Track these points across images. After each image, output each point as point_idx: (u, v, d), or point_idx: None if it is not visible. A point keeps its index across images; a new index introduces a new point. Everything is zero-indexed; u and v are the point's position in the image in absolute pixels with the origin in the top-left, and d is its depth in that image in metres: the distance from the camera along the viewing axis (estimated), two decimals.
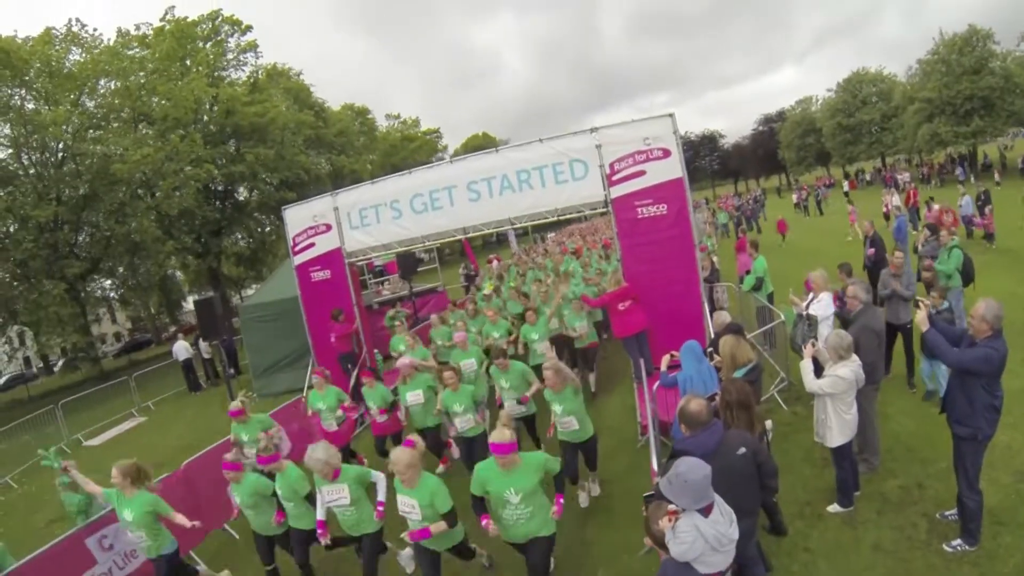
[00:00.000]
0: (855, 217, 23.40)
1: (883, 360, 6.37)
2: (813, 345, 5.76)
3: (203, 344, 19.42)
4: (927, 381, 7.77)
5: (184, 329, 35.31)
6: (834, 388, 5.34)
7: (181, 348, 19.28)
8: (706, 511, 3.35)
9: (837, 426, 5.47)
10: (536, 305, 10.44)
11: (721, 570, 3.46)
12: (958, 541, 4.98)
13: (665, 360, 6.67)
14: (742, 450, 4.12)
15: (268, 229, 37.72)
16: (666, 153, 9.44)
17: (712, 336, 8.37)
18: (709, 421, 4.16)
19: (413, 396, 8.12)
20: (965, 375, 4.65)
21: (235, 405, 7.99)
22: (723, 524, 3.37)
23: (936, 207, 18.50)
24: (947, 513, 5.34)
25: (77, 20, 28.03)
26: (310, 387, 9.04)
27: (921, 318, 4.82)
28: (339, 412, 8.48)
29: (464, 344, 9.11)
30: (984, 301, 4.59)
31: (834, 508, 5.82)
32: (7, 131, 25.26)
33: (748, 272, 12.99)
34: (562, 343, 10.39)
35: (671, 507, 3.39)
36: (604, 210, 10.10)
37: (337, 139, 43.76)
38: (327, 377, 8.79)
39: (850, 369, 5.36)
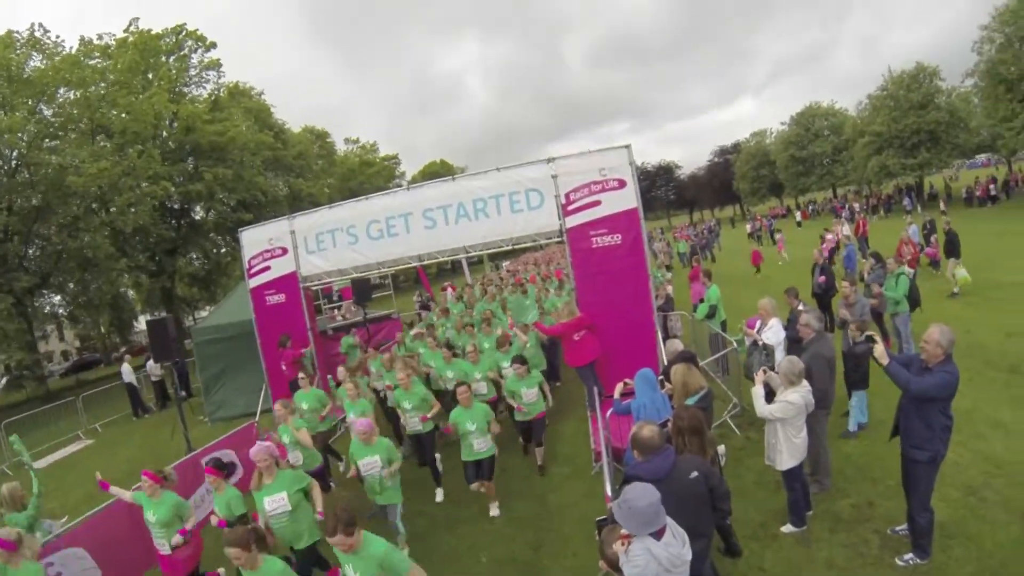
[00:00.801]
0: (783, 245, 25.06)
1: (834, 386, 6.58)
2: (764, 372, 5.92)
3: (151, 365, 18.79)
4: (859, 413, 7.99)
5: (134, 350, 34.34)
6: (784, 413, 5.50)
7: (127, 371, 18.65)
8: (658, 534, 3.41)
9: (787, 450, 5.61)
10: (466, 373, 8.91)
11: None
12: (910, 556, 5.14)
13: (619, 388, 6.74)
14: (694, 474, 4.19)
15: (224, 250, 37.12)
16: (622, 184, 9.61)
17: (665, 364, 8.52)
18: (661, 446, 4.22)
19: (272, 503, 5.61)
20: (922, 401, 4.77)
21: (6, 534, 5.07)
22: (675, 546, 3.43)
23: (834, 232, 19.02)
24: (897, 528, 5.52)
25: (40, 25, 27.38)
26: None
27: (880, 352, 4.85)
28: (178, 537, 5.85)
29: (368, 434, 6.61)
30: (937, 327, 4.74)
31: (788, 528, 5.96)
32: None
33: (702, 301, 13.26)
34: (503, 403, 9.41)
35: (624, 531, 3.44)
36: (559, 239, 10.22)
37: (296, 162, 43.48)
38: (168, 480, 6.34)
39: (800, 395, 5.53)
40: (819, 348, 6.45)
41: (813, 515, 6.10)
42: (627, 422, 6.67)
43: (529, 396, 8.34)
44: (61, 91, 27.23)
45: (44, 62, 26.93)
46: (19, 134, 24.47)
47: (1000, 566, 4.95)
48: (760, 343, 8.01)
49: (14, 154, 25.44)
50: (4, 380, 35.47)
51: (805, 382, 5.65)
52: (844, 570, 5.27)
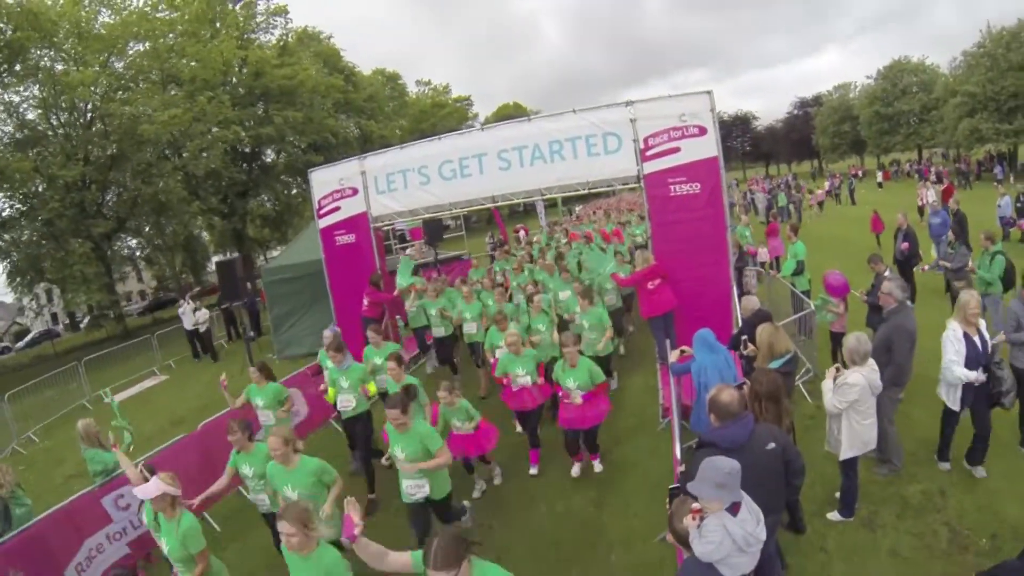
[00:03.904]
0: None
1: (911, 365, 6.08)
2: (837, 370, 5.46)
3: (201, 314, 18.18)
4: None
5: (206, 290, 35.44)
6: (845, 398, 5.12)
7: (201, 316, 18.44)
8: (734, 509, 3.20)
9: (847, 438, 5.25)
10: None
11: (745, 573, 3.29)
12: None
13: (675, 354, 6.56)
14: (771, 445, 3.94)
15: (295, 191, 37.83)
16: (702, 131, 9.22)
17: (740, 321, 8.17)
18: (740, 413, 3.99)
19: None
20: None
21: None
22: (751, 523, 3.21)
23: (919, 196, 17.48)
24: None
25: None
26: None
27: None
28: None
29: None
30: None
31: (835, 516, 5.63)
32: (36, 92, 25.43)
33: (777, 258, 12.67)
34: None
35: (696, 504, 3.24)
36: (636, 184, 9.86)
37: (367, 104, 43.29)
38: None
39: (862, 375, 5.12)
40: (901, 320, 5.93)
41: (882, 498, 5.78)
42: (688, 380, 6.46)
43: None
44: (131, 44, 28.00)
45: (113, 17, 27.63)
46: (92, 88, 25.32)
47: None
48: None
49: (88, 107, 26.37)
50: (87, 320, 37.46)
51: (872, 362, 5.23)
52: (908, 561, 4.96)
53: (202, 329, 18.40)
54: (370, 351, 8.01)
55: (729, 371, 6.04)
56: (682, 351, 6.49)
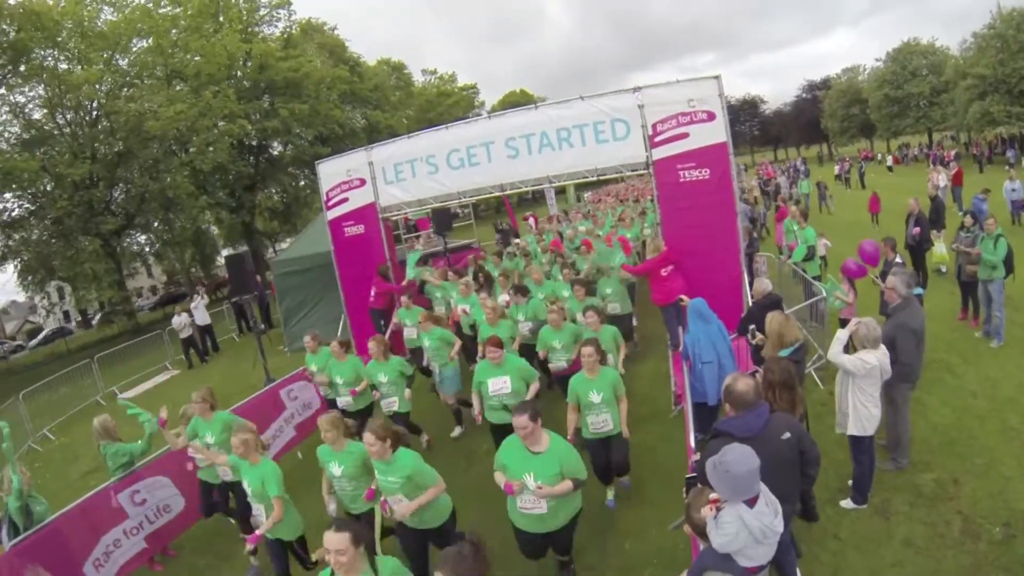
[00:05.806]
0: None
1: (921, 361, 5.97)
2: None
3: (177, 320, 17.24)
4: None
5: (214, 284, 35.47)
6: (855, 368, 5.11)
7: (180, 321, 17.35)
8: (751, 501, 3.19)
9: (853, 417, 5.24)
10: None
11: (762, 564, 3.29)
12: None
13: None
14: (787, 435, 3.94)
15: (303, 183, 37.84)
16: (711, 116, 9.12)
17: (750, 304, 8.12)
18: (756, 402, 3.97)
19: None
20: None
21: None
22: (768, 515, 3.20)
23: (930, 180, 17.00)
24: None
25: None
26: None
27: None
28: None
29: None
30: None
31: (847, 504, 5.59)
32: (41, 92, 25.58)
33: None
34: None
35: (713, 495, 3.23)
36: (645, 171, 9.80)
37: (372, 94, 42.97)
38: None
39: (875, 356, 5.12)
40: (905, 318, 5.77)
41: (894, 486, 5.74)
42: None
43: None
44: (134, 41, 28.10)
45: (115, 15, 27.73)
46: (97, 86, 25.54)
47: None
48: None
49: (94, 105, 26.55)
50: (98, 316, 37.69)
51: (884, 347, 5.21)
52: (922, 550, 4.92)
53: (183, 335, 17.46)
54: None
55: (723, 342, 6.08)
56: (680, 300, 6.64)
